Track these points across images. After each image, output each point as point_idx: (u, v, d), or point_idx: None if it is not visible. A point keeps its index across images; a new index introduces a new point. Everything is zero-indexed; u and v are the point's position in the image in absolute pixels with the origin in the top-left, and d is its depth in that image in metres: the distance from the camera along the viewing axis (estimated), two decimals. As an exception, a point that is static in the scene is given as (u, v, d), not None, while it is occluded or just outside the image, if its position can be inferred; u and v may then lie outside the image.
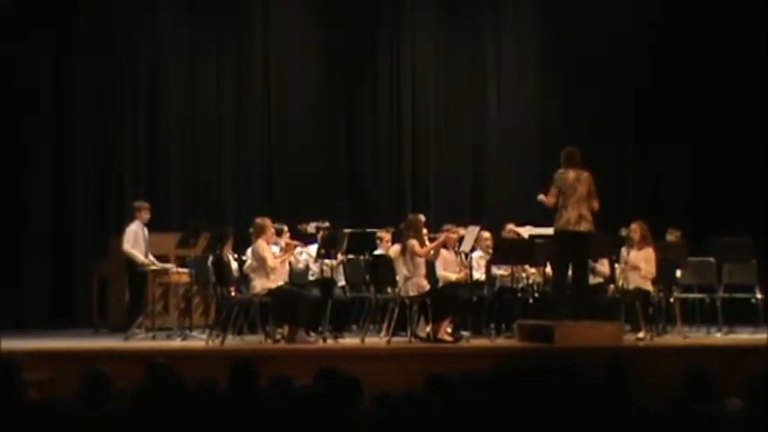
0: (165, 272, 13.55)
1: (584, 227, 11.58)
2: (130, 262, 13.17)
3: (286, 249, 12.54)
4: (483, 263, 13.17)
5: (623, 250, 12.70)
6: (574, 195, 11.55)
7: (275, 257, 12.14)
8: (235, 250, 12.98)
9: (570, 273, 11.76)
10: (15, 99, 15.23)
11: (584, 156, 11.80)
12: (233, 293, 12.31)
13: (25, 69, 15.21)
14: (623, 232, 12.70)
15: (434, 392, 5.98)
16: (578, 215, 11.56)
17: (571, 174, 11.63)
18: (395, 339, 11.96)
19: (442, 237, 12.69)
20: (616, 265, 13.00)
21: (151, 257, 13.34)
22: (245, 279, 12.42)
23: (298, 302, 11.89)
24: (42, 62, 15.39)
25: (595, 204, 11.63)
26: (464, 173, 16.96)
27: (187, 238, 13.17)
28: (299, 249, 13.17)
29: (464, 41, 17.05)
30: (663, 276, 12.66)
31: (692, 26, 16.26)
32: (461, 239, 13.09)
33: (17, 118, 15.26)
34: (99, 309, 14.42)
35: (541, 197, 11.80)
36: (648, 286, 12.51)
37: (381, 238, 13.59)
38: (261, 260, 11.93)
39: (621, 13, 16.54)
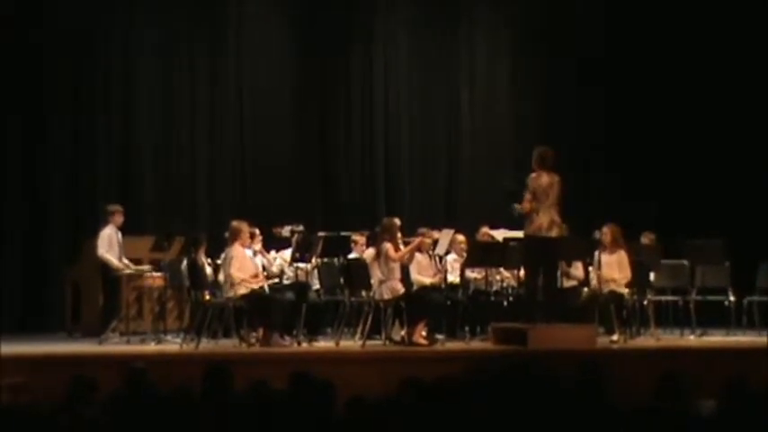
0: (140, 276, 13.50)
1: (556, 232, 11.64)
2: (104, 265, 13.11)
3: (255, 275, 12.37)
4: (457, 266, 13.17)
5: (596, 253, 12.74)
6: (546, 201, 11.61)
7: (246, 272, 12.05)
8: (208, 254, 12.95)
9: (541, 277, 11.82)
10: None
11: (555, 156, 11.85)
12: (207, 297, 12.28)
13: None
14: (597, 235, 12.75)
15: (409, 396, 5.98)
16: (550, 221, 11.61)
17: (545, 178, 11.66)
18: (369, 343, 11.95)
19: (416, 241, 12.68)
20: (590, 269, 13.04)
21: (125, 261, 13.29)
22: (219, 283, 12.40)
23: (272, 306, 11.88)
24: (15, 63, 15.27)
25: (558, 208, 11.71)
26: (438, 175, 16.99)
27: (161, 242, 13.14)
28: (273, 254, 13.20)
29: (436, 42, 17.09)
30: (637, 279, 12.70)
31: (669, 30, 16.31)
32: (436, 243, 13.10)
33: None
34: (73, 313, 14.35)
35: (518, 206, 11.81)
36: (622, 289, 12.56)
37: (356, 242, 13.58)
38: (229, 267, 11.90)
39: (595, 12, 16.62)
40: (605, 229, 12.68)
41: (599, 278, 12.59)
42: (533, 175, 11.74)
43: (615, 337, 12.18)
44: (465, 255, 13.07)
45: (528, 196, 11.68)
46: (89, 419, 5.64)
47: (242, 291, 11.89)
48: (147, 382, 6.33)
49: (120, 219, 13.28)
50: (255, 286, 12.14)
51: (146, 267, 13.60)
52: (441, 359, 11.13)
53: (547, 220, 11.62)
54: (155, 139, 16.07)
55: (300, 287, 12.77)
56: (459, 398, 5.94)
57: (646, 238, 13.69)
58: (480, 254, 12.69)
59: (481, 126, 17.06)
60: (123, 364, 7.40)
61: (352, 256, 13.31)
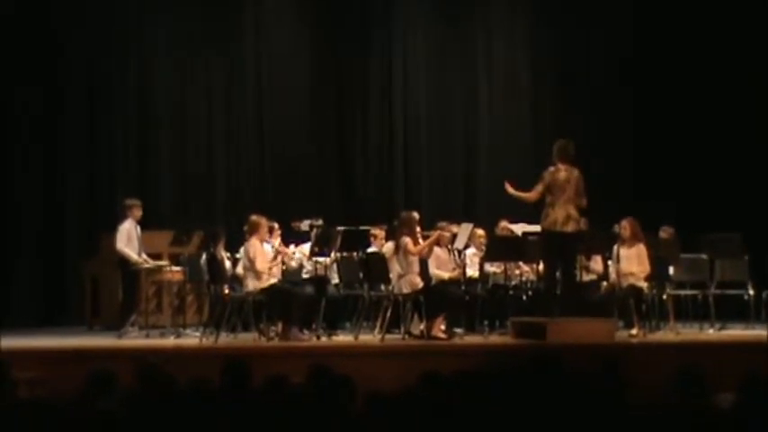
0: (159, 270, 13.53)
1: (572, 227, 11.62)
2: (123, 260, 13.10)
3: (275, 255, 12.48)
4: (476, 260, 13.17)
5: (615, 247, 12.69)
6: (563, 195, 11.59)
7: (267, 262, 12.11)
8: (227, 249, 12.97)
9: (559, 271, 11.80)
10: (5, 99, 15.19)
11: (576, 149, 11.82)
12: (226, 291, 12.31)
13: (16, 69, 15.15)
14: (616, 229, 12.72)
15: (428, 390, 5.98)
16: (566, 215, 11.59)
17: (562, 173, 11.64)
18: (388, 337, 11.96)
19: (435, 234, 12.66)
20: (609, 262, 13.00)
21: (144, 256, 13.30)
22: (238, 277, 12.42)
23: (291, 300, 11.89)
24: (33, 61, 15.32)
25: (583, 202, 11.69)
26: (456, 170, 16.93)
27: (180, 237, 13.16)
28: (292, 248, 13.20)
29: (456, 39, 17.02)
30: (656, 273, 12.67)
31: (690, 24, 16.24)
32: (455, 237, 13.09)
33: (8, 117, 15.22)
34: (92, 307, 14.39)
35: (514, 192, 11.83)
36: (642, 283, 12.53)
37: (375, 236, 13.57)
38: (251, 261, 11.93)
39: (614, 11, 16.57)
40: (624, 223, 12.65)
41: (618, 272, 12.56)
42: (551, 168, 11.73)
43: (634, 331, 12.15)
44: (484, 249, 13.06)
45: (539, 188, 11.68)
46: (106, 413, 5.64)
47: (266, 282, 11.90)
48: (160, 377, 6.32)
49: (138, 213, 13.26)
50: (278, 271, 12.25)
51: (164, 262, 13.62)
52: (459, 353, 11.13)
53: (562, 215, 11.60)
54: (173, 134, 16.09)
55: (319, 281, 12.78)
56: (477, 392, 5.93)
57: (664, 233, 13.63)
58: (499, 248, 12.70)
59: (500, 120, 16.99)
60: (142, 359, 7.42)
61: (371, 250, 13.32)
